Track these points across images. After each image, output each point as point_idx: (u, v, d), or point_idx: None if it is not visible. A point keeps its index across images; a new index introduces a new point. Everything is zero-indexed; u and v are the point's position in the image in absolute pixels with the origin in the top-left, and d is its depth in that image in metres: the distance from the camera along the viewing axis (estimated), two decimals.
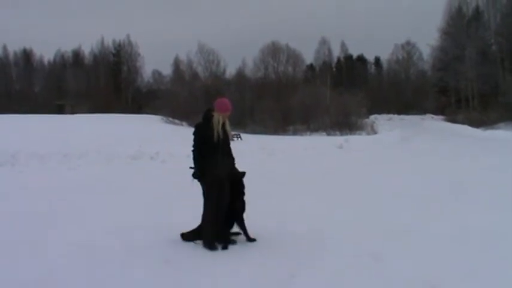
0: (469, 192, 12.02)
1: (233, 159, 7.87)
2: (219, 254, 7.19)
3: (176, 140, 28.60)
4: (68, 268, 6.33)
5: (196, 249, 7.35)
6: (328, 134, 45.98)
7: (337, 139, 34.55)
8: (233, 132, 39.37)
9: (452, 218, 9.25)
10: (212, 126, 7.50)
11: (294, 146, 28.31)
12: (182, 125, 55.48)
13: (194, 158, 7.63)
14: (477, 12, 68.00)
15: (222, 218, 7.47)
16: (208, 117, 7.58)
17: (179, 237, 7.73)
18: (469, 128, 46.79)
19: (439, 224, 8.64)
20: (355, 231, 8.31)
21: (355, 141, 32.24)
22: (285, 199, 11.45)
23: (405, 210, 10.06)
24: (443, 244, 7.49)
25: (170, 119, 59.88)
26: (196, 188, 7.60)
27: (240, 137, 37.90)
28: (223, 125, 7.60)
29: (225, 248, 7.35)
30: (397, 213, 9.77)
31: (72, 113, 67.66)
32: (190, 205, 8.54)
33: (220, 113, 7.55)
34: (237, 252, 7.28)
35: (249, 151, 22.88)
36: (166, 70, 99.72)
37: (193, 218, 7.77)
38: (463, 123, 52.76)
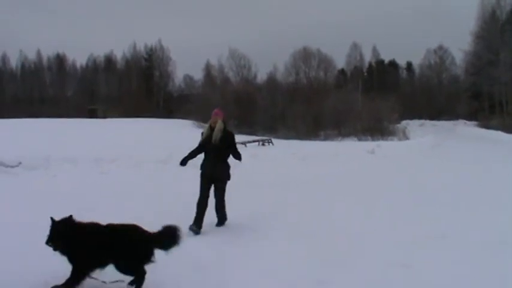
0: (506, 202, 11.83)
1: (220, 158, 9.39)
2: (241, 252, 7.68)
3: None
4: None
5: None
6: (359, 139, 45.75)
7: (369, 144, 34.37)
8: (263, 138, 39.63)
9: (487, 227, 9.11)
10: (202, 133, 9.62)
11: (325, 151, 28.17)
12: None
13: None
14: (511, 16, 67.01)
15: (200, 206, 9.23)
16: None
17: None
18: (504, 134, 46.09)
19: (474, 233, 8.52)
20: (386, 238, 8.27)
21: (386, 147, 32.00)
22: (316, 205, 11.44)
23: (439, 217, 9.97)
24: (477, 252, 7.38)
25: (201, 123, 59.90)
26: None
27: (271, 142, 37.77)
28: (212, 129, 9.30)
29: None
30: (430, 220, 9.68)
31: (104, 117, 68.23)
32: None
33: (210, 120, 9.43)
34: (265, 256, 7.32)
35: (280, 156, 22.86)
36: (198, 75, 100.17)
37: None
38: (496, 129, 51.91)
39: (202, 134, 9.57)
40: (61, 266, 5.75)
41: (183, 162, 9.65)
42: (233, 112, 56.41)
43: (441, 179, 16.90)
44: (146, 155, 22.47)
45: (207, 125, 9.50)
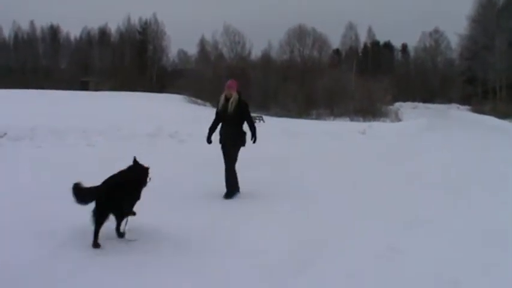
0: (499, 187, 11.68)
1: (235, 127, 9.86)
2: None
3: (197, 120, 28.42)
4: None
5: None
6: (352, 120, 45.56)
7: (361, 125, 34.12)
8: (254, 115, 39.28)
9: (477, 212, 8.96)
10: (218, 101, 10.04)
11: (316, 130, 27.87)
12: (205, 105, 55.20)
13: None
14: (508, 1, 66.56)
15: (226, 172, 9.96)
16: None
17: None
18: (496, 119, 45.95)
19: (459, 219, 8.37)
20: (374, 221, 8.09)
21: (378, 128, 31.77)
22: (301, 186, 11.30)
23: (429, 201, 9.82)
24: (461, 239, 7.23)
25: (193, 99, 59.68)
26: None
27: (262, 119, 37.46)
28: (227, 100, 9.78)
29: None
30: (419, 204, 9.53)
31: (96, 90, 67.77)
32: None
33: (224, 91, 9.85)
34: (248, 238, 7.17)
35: (271, 134, 22.60)
36: (192, 50, 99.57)
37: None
38: (489, 114, 51.69)
39: (217, 104, 10.08)
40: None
41: (208, 140, 10.16)
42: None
43: (432, 161, 16.75)
44: (135, 128, 22.26)
45: (222, 96, 9.90)
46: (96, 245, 6.42)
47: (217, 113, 10.09)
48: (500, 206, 9.52)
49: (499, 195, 10.59)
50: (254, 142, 9.93)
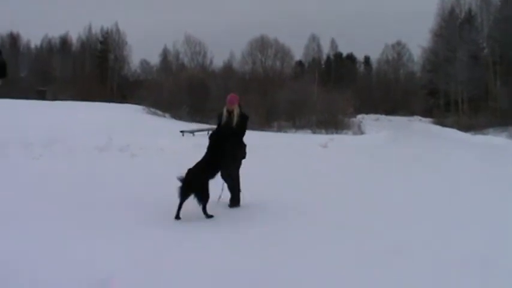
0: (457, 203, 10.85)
1: (237, 141, 10.11)
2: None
3: (152, 132, 27.43)
4: None
5: None
6: (314, 132, 44.75)
7: (322, 137, 33.29)
8: (213, 126, 38.29)
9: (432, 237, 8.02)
10: (221, 115, 10.25)
11: (277, 143, 26.93)
12: (164, 116, 54.06)
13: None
14: (470, 15, 67.41)
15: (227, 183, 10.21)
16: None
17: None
18: (458, 132, 45.90)
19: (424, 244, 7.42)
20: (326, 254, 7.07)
21: (340, 141, 30.99)
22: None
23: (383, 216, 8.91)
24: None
25: (152, 109, 58.39)
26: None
27: None
28: (231, 114, 10.09)
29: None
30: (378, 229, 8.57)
31: (54, 99, 65.96)
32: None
33: (226, 106, 10.16)
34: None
35: None
36: (155, 60, 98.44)
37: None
38: (451, 126, 51.79)
39: (219, 118, 10.38)
40: None
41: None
42: (185, 99, 55.31)
43: (394, 176, 16.03)
44: (83, 141, 21.00)
45: (224, 111, 10.19)
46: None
47: (219, 127, 10.25)
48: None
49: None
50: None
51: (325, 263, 6.55)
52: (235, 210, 9.95)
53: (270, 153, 21.47)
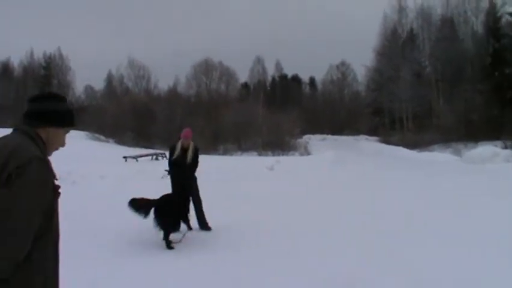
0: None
1: (189, 174, 10.41)
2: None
3: (95, 158, 26.42)
4: None
5: None
6: (260, 154, 44.19)
7: (268, 160, 32.63)
8: (157, 152, 37.46)
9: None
10: (174, 148, 10.50)
11: (221, 167, 26.12)
12: (108, 141, 52.86)
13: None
14: (412, 34, 68.51)
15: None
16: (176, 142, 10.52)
17: None
18: (404, 149, 46.05)
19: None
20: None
21: (286, 163, 30.41)
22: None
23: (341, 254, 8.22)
24: None
25: (96, 135, 57.08)
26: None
27: (165, 156, 35.45)
28: (185, 149, 10.35)
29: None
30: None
31: None
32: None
33: (181, 141, 10.39)
34: None
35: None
36: (100, 85, 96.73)
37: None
38: (397, 144, 52.17)
39: (171, 152, 10.61)
40: None
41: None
42: (129, 124, 54.33)
43: (341, 197, 15.54)
44: None
45: (178, 145, 10.41)
46: None
47: (173, 161, 10.45)
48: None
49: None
50: None
51: None
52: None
53: (211, 179, 20.51)
